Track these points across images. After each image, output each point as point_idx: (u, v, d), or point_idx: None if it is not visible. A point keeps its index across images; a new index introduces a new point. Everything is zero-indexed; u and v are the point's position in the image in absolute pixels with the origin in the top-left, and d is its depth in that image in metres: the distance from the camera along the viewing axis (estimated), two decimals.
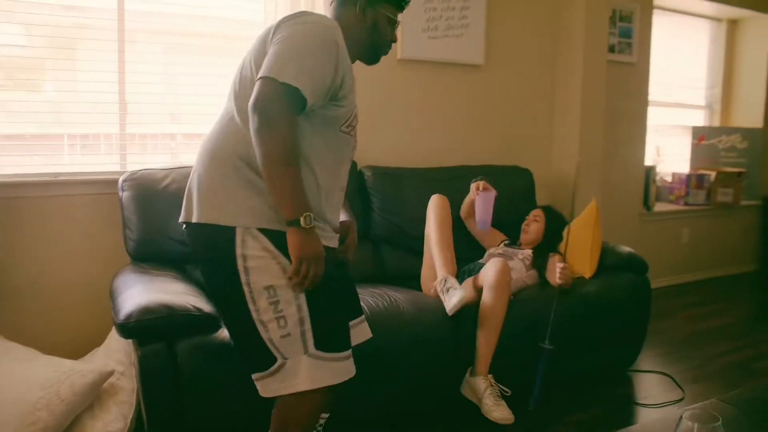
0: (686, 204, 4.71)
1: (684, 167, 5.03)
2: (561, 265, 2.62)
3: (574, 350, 2.68)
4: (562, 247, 2.79)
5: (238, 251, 1.56)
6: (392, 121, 3.31)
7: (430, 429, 2.42)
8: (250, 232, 1.57)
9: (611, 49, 4.02)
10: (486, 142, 3.61)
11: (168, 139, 3.04)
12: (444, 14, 3.36)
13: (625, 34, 4.19)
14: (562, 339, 2.52)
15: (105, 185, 2.68)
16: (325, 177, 1.67)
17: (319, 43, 1.57)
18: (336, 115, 1.66)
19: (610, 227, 3.80)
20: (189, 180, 1.69)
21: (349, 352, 1.68)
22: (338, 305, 1.73)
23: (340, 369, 1.64)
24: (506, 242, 3.00)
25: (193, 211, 1.63)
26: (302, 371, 1.58)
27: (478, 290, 2.52)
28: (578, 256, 2.83)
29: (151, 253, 2.41)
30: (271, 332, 1.58)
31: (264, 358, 1.60)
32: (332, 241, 1.72)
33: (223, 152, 1.62)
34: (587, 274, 2.81)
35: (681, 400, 2.67)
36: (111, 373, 2.14)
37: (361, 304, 2.08)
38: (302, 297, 1.59)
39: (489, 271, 2.47)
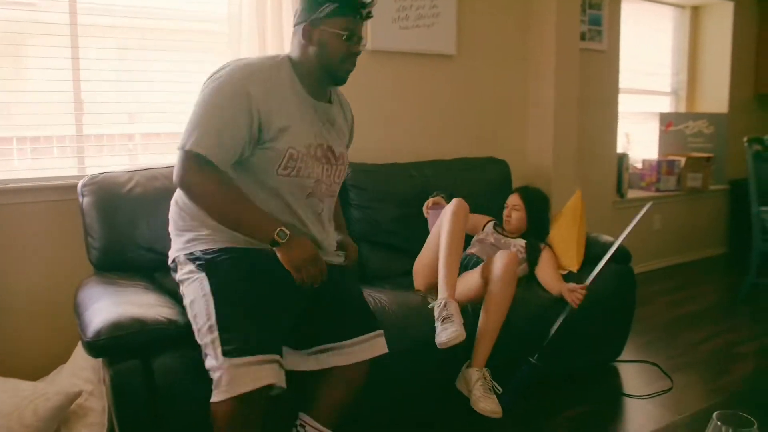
0: (657, 190, 4.72)
1: (652, 154, 5.05)
2: (577, 290, 2.49)
3: (561, 345, 2.60)
4: (553, 235, 2.73)
5: (177, 277, 1.81)
6: (364, 115, 3.17)
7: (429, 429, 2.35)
8: (179, 258, 1.80)
9: (582, 37, 3.97)
10: (461, 133, 3.53)
11: (125, 140, 2.87)
12: (414, 3, 3.26)
13: (595, 21, 4.15)
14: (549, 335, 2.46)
15: (62, 191, 2.50)
16: (279, 216, 1.74)
17: (227, 99, 1.63)
18: (266, 159, 1.69)
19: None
20: None
21: (262, 356, 1.59)
22: (256, 308, 1.67)
23: (247, 375, 1.56)
24: (494, 223, 2.90)
25: None
26: (219, 382, 1.58)
27: (484, 281, 2.42)
28: (565, 250, 2.77)
29: (117, 262, 2.25)
30: (202, 345, 1.66)
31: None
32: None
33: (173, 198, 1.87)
34: (575, 268, 2.74)
35: (670, 389, 2.64)
36: (79, 394, 1.99)
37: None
38: (211, 304, 1.65)
39: (497, 263, 2.38)
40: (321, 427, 1.86)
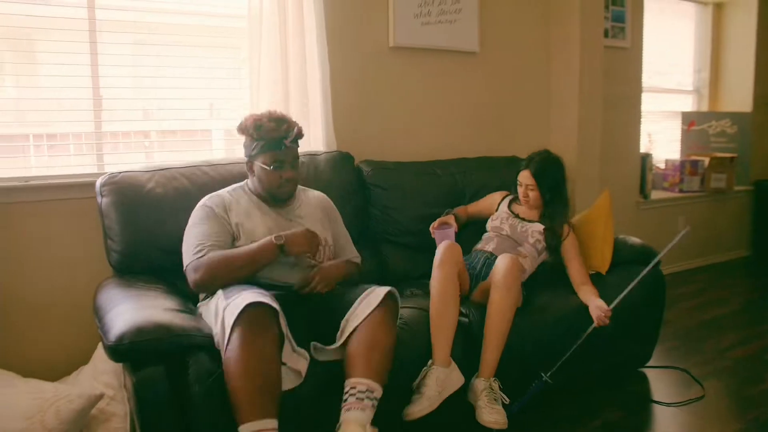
0: (681, 191, 4.63)
1: (674, 154, 4.96)
2: (604, 312, 2.38)
3: (588, 350, 2.53)
4: (580, 235, 2.66)
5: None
6: (385, 112, 3.14)
7: None
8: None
9: (605, 34, 3.89)
10: (483, 131, 3.46)
11: (141, 137, 2.82)
12: None
13: (618, 18, 4.07)
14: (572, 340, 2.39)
15: (80, 189, 2.45)
16: None
17: (197, 220, 2.07)
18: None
19: None
20: None
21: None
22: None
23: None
24: (510, 199, 2.79)
25: None
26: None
27: (486, 292, 2.33)
28: (593, 251, 2.69)
29: (137, 264, 2.20)
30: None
31: None
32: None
33: None
34: (603, 270, 2.67)
35: (702, 397, 2.56)
36: (100, 397, 1.95)
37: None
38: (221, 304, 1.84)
39: (498, 270, 2.29)
40: (367, 381, 1.81)
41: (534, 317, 2.39)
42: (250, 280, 1.98)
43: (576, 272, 2.58)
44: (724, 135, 4.97)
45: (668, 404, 2.51)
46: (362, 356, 1.84)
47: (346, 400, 1.80)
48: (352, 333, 1.89)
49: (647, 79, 4.42)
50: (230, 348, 1.67)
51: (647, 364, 2.85)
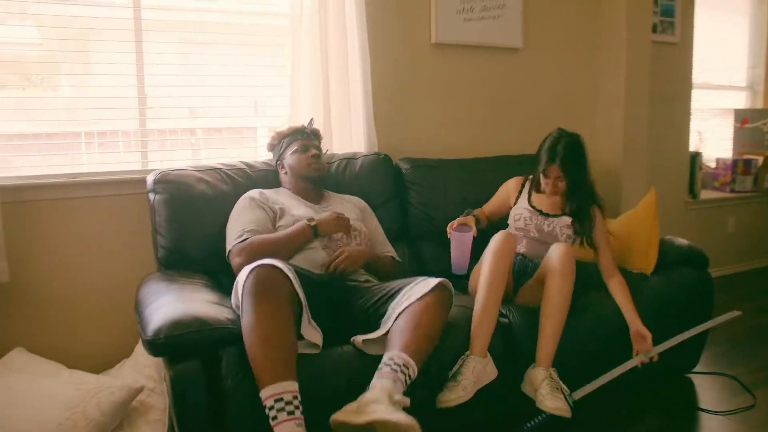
0: (732, 191, 4.47)
1: (726, 152, 4.79)
2: (645, 348, 2.31)
3: (631, 354, 2.46)
4: (625, 234, 2.53)
5: None
6: (426, 108, 3.12)
7: None
8: None
9: (653, 29, 3.78)
10: (525, 129, 3.39)
11: (188, 134, 2.87)
12: None
13: (668, 12, 3.94)
14: (620, 342, 2.33)
15: (127, 185, 2.52)
16: None
17: (239, 209, 2.23)
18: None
19: None
20: None
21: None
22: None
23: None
24: (527, 187, 2.58)
25: None
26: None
27: (539, 281, 2.28)
28: (638, 250, 2.62)
29: (183, 262, 2.25)
30: None
31: None
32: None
33: None
34: (648, 270, 2.60)
35: (753, 406, 2.46)
36: (140, 390, 1.98)
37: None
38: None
39: (553, 257, 2.23)
40: (405, 356, 1.78)
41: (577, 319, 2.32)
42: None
43: (604, 259, 2.46)
44: None
45: (715, 412, 2.42)
46: (404, 333, 1.83)
47: (380, 368, 1.78)
48: (397, 318, 1.88)
49: (698, 75, 4.28)
50: (244, 314, 1.70)
51: (694, 370, 2.76)
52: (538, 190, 2.52)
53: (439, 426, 1.95)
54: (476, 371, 2.02)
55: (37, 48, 2.51)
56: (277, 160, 2.45)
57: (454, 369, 2.04)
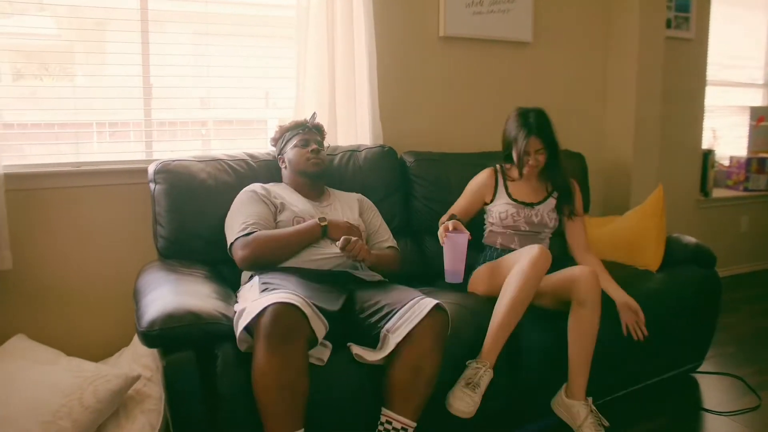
0: (746, 189, 4.40)
1: (741, 151, 4.71)
2: (634, 308, 2.25)
3: (636, 353, 2.42)
4: (630, 230, 2.50)
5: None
6: (433, 102, 3.10)
7: None
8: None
9: (667, 25, 3.72)
10: None
11: (198, 126, 2.87)
12: None
13: (682, 8, 3.88)
14: (624, 341, 2.29)
15: (130, 175, 2.52)
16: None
17: (240, 202, 2.20)
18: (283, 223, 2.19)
19: None
20: None
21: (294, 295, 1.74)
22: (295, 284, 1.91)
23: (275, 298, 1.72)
24: (500, 177, 2.53)
25: None
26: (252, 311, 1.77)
27: (558, 301, 2.18)
28: (644, 248, 2.58)
29: (183, 252, 2.25)
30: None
31: None
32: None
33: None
34: (653, 268, 2.56)
35: (758, 407, 2.42)
36: (137, 378, 1.99)
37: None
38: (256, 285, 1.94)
39: (582, 284, 2.09)
40: (404, 419, 1.79)
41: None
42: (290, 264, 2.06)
43: (581, 233, 2.42)
44: None
45: (720, 413, 2.38)
46: (404, 388, 1.80)
47: (379, 430, 1.80)
48: (396, 348, 1.80)
49: (713, 72, 4.21)
50: (257, 354, 1.63)
51: (699, 370, 2.72)
52: (514, 178, 2.51)
53: (439, 426, 1.94)
54: (486, 383, 1.97)
55: (53, 39, 2.52)
56: (278, 155, 2.43)
57: (468, 375, 1.97)
